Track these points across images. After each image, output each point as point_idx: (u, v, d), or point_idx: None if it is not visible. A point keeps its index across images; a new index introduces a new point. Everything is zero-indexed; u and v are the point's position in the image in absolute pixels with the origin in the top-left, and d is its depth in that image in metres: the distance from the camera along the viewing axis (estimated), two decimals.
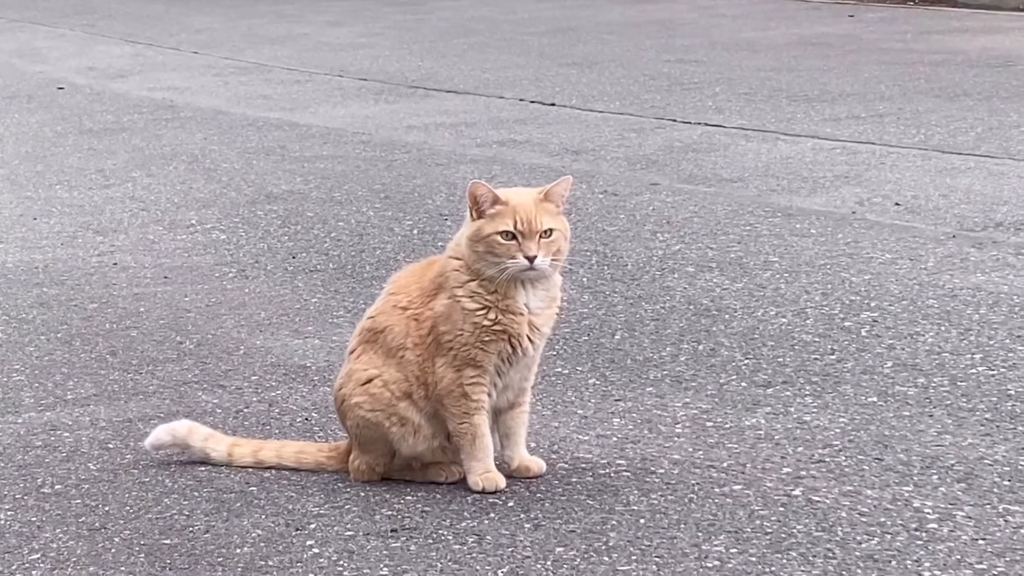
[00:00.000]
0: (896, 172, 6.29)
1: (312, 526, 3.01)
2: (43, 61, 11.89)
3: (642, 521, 2.95)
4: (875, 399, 3.58)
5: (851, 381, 3.72)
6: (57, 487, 3.29)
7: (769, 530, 2.87)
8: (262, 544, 2.94)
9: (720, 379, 3.79)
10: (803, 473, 3.14)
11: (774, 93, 8.53)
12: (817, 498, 3.00)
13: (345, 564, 2.84)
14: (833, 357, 3.92)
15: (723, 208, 5.77)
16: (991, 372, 3.72)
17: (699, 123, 7.70)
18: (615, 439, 3.41)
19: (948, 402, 3.52)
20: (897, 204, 5.70)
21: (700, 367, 3.90)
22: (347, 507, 3.10)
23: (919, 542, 2.78)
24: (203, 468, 3.33)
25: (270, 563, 2.85)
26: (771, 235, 5.31)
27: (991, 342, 3.96)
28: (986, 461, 3.14)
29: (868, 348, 3.97)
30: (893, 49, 10.31)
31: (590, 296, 4.64)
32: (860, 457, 3.21)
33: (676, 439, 3.39)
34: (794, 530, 2.87)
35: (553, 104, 8.54)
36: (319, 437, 3.51)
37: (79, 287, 5.06)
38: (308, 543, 2.93)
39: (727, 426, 3.45)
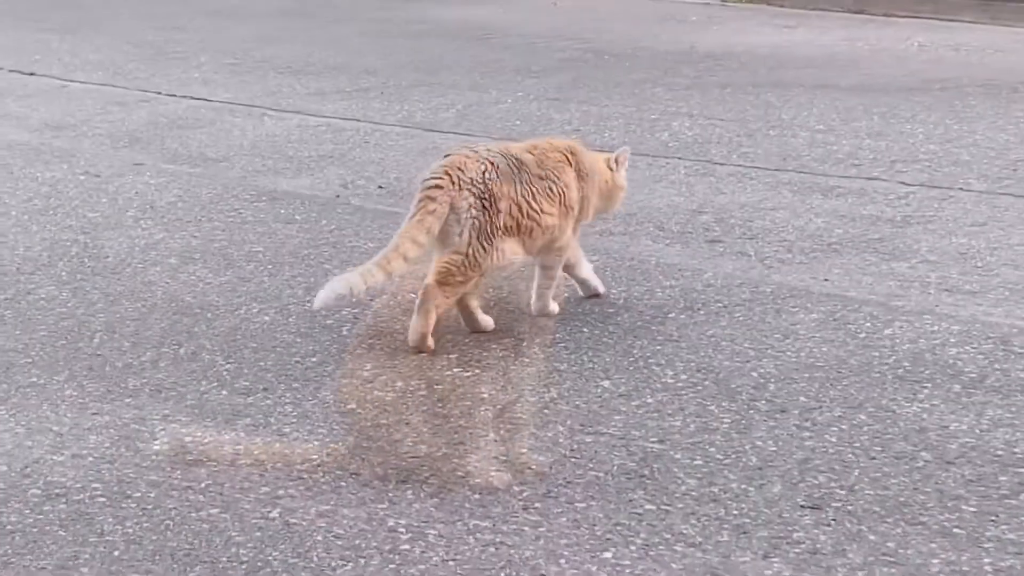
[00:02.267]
0: (380, 151, 6.37)
1: None
2: None
3: (116, 553, 2.88)
4: (354, 406, 3.61)
5: (331, 387, 3.73)
6: None
7: (245, 558, 2.85)
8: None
9: (201, 387, 3.75)
10: (281, 492, 3.13)
11: (260, 65, 8.49)
12: (294, 520, 3.00)
13: None
14: (314, 359, 3.93)
15: (208, 191, 5.71)
16: (466, 374, 3.80)
17: (185, 96, 7.59)
18: (91, 459, 3.31)
19: (425, 408, 3.58)
20: (381, 187, 5.77)
21: (181, 374, 3.84)
22: None
23: (392, 566, 2.81)
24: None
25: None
26: (256, 221, 5.29)
27: (467, 340, 4.04)
28: (458, 473, 3.21)
29: (349, 349, 4.00)
30: (376, 19, 10.44)
31: (69, 293, 4.51)
32: (338, 472, 3.22)
33: (155, 457, 3.33)
34: (270, 557, 2.85)
35: (32, 74, 8.24)
36: None
37: None
38: None
39: (207, 441, 3.41)
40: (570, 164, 4.07)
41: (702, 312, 4.25)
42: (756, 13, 10.86)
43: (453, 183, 3.84)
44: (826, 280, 4.51)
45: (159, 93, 7.68)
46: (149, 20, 10.26)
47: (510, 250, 3.92)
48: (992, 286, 4.43)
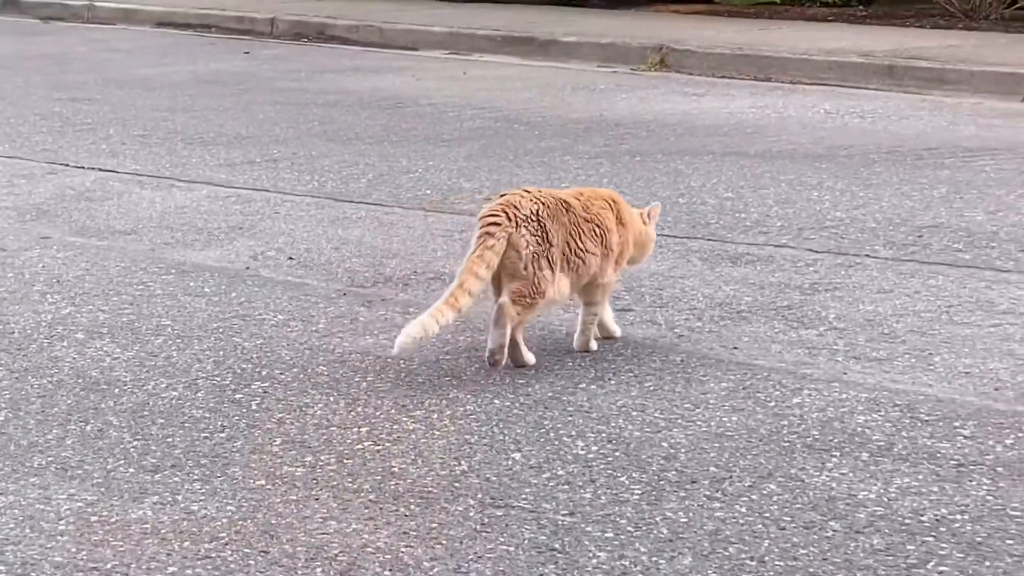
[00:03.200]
0: (291, 223, 6.35)
1: None
2: None
3: None
4: (263, 482, 3.58)
5: (240, 462, 3.70)
6: None
7: None
8: None
9: (108, 465, 3.70)
10: (188, 572, 3.09)
11: (170, 135, 8.46)
12: None
13: None
14: (223, 435, 3.90)
15: (116, 264, 5.66)
16: (376, 447, 3.79)
17: (93, 168, 7.54)
18: None
19: (335, 483, 3.56)
20: (291, 258, 5.75)
21: (87, 451, 3.79)
22: None
23: None
24: None
25: None
26: (164, 295, 5.24)
27: (377, 413, 4.04)
28: (369, 549, 3.19)
29: (259, 424, 3.97)
30: (287, 88, 10.43)
31: None
32: (247, 551, 3.19)
33: (60, 537, 3.28)
34: None
35: None
36: None
37: None
38: None
39: (113, 520, 3.37)
40: (612, 210, 4.40)
41: (613, 382, 4.26)
42: (664, 81, 10.96)
43: (510, 219, 4.14)
44: (735, 348, 4.54)
45: (67, 165, 7.63)
46: (58, 90, 10.20)
47: (563, 285, 4.26)
48: (899, 353, 4.47)
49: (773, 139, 8.23)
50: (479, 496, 3.46)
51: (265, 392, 4.22)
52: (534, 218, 4.17)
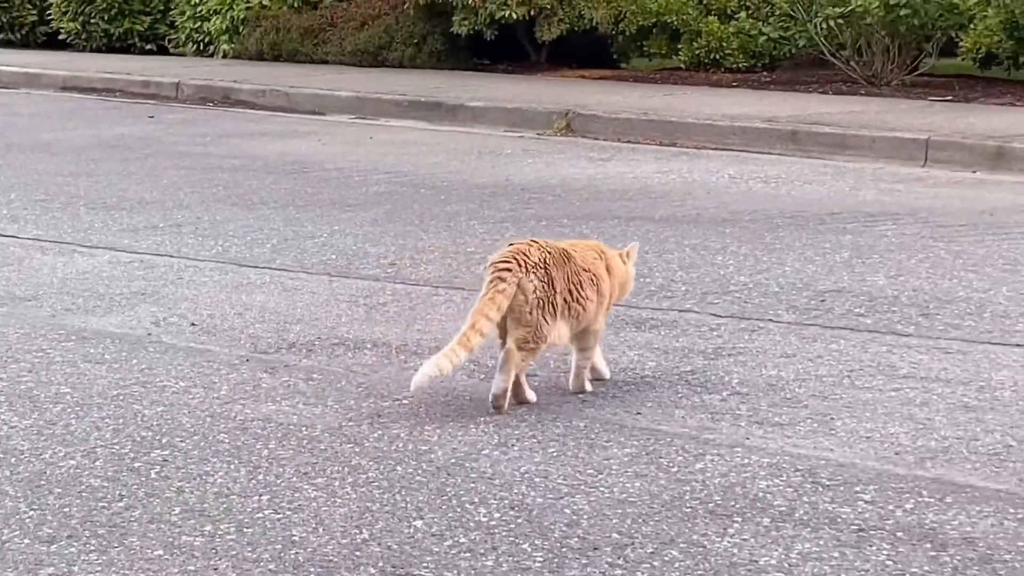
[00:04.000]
0: (194, 288, 6.30)
1: None
2: None
3: None
4: (161, 552, 3.53)
5: (138, 532, 3.65)
6: None
7: None
8: None
9: (3, 535, 3.63)
10: None
11: (72, 200, 8.38)
12: None
13: None
14: (121, 504, 3.84)
15: (15, 331, 5.58)
16: (277, 516, 3.75)
17: None
18: None
19: (234, 552, 3.52)
20: (193, 324, 5.70)
21: None
22: None
23: None
24: None
25: None
26: (64, 362, 5.18)
27: (279, 481, 4.00)
28: None
29: (157, 492, 3.92)
30: (192, 153, 10.39)
31: None
32: None
33: None
34: None
35: None
36: None
37: None
38: None
39: None
40: (601, 259, 4.67)
41: (516, 448, 4.24)
42: (571, 146, 11.02)
43: (520, 266, 4.39)
44: (639, 414, 4.54)
45: None
46: None
47: (563, 330, 4.50)
48: (801, 418, 4.49)
49: (678, 204, 8.29)
50: (380, 565, 3.43)
51: (165, 460, 4.17)
52: (542, 266, 4.43)
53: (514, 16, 14.43)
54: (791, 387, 4.80)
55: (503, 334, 4.45)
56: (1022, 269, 6.51)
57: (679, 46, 14.76)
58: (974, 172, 9.72)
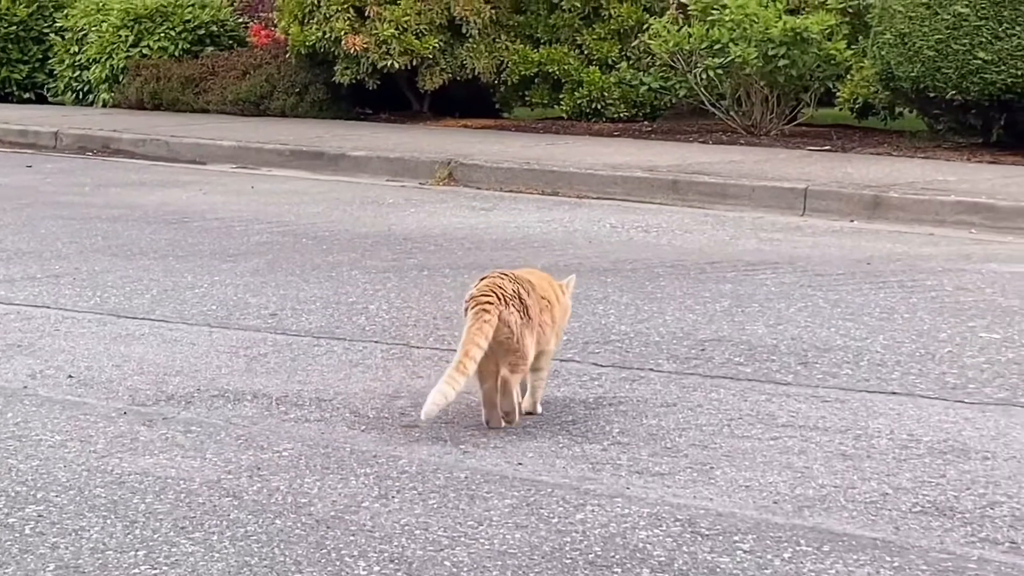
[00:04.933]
0: (71, 340, 6.22)
1: None
2: None
3: None
4: None
5: None
6: None
7: None
8: None
9: None
10: None
11: None
12: None
13: None
14: None
15: None
16: (154, 571, 3.69)
17: None
18: None
19: None
20: (71, 376, 5.62)
21: None
22: None
23: None
24: None
25: None
26: None
27: (156, 536, 3.95)
28: None
29: (31, 549, 3.85)
30: (71, 203, 10.28)
31: None
32: None
33: None
34: None
35: None
36: None
37: None
38: None
39: None
40: (551, 289, 5.08)
41: (396, 500, 4.22)
42: (453, 195, 11.04)
43: (499, 299, 4.76)
44: (520, 464, 4.54)
45: None
46: None
47: (533, 352, 4.86)
48: (681, 467, 4.51)
49: (560, 253, 8.32)
50: None
51: (39, 516, 4.10)
52: (517, 297, 4.82)
53: (396, 65, 14.45)
54: (671, 436, 4.82)
55: (483, 372, 4.81)
56: (898, 318, 6.60)
57: (561, 96, 14.86)
58: (852, 221, 9.86)
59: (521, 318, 4.80)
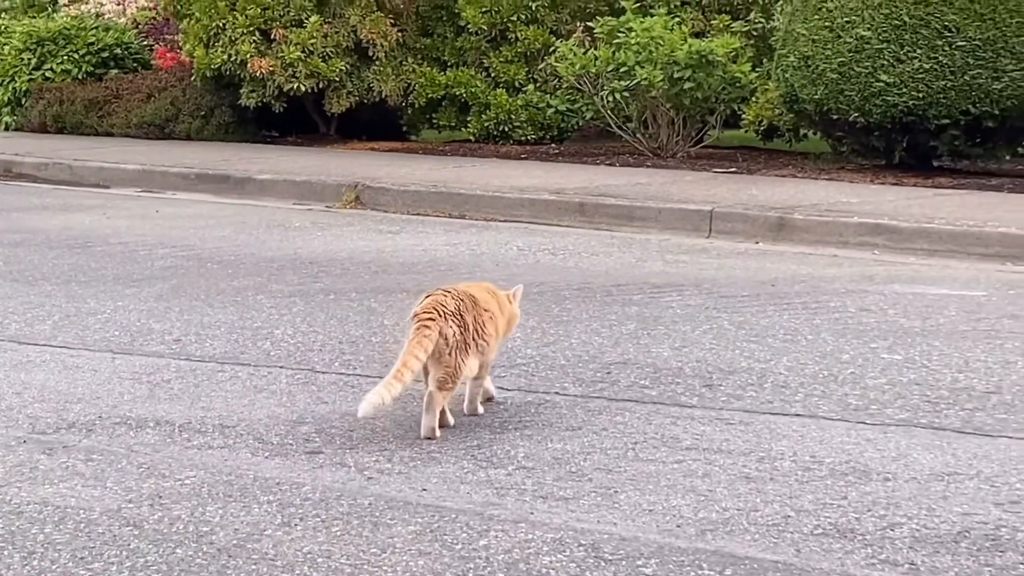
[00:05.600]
0: None
1: None
2: None
3: None
4: None
5: None
6: None
7: None
8: None
9: None
10: None
11: None
12: None
13: None
14: None
15: None
16: None
17: None
18: None
19: None
20: None
21: None
22: None
23: None
24: None
25: None
26: None
27: (54, 567, 3.90)
28: None
29: None
30: None
31: None
32: None
33: None
34: None
35: None
36: None
37: None
38: None
39: None
40: (494, 298, 5.35)
41: (299, 527, 4.19)
42: (360, 219, 11.01)
43: (440, 315, 5.03)
44: (424, 490, 4.52)
45: None
46: None
47: (473, 365, 5.14)
48: (585, 491, 4.51)
49: (467, 276, 8.31)
50: None
51: None
52: (457, 313, 5.08)
53: (302, 88, 14.41)
54: (576, 460, 4.82)
55: (426, 375, 5.06)
56: (802, 339, 6.65)
57: (468, 118, 14.88)
58: (757, 243, 9.92)
59: (460, 335, 5.06)
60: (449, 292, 5.20)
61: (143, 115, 15.48)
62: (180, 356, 6.35)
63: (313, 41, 14.30)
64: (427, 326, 5.03)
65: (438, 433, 5.07)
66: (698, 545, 4.04)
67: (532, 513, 4.30)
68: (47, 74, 16.38)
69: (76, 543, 4.08)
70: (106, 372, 6.07)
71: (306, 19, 14.38)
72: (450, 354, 5.04)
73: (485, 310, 5.23)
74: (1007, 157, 12.72)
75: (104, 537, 4.12)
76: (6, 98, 16.56)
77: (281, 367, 6.15)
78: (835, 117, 11.96)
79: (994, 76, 11.50)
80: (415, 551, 3.99)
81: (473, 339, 5.12)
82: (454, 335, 5.05)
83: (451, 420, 5.21)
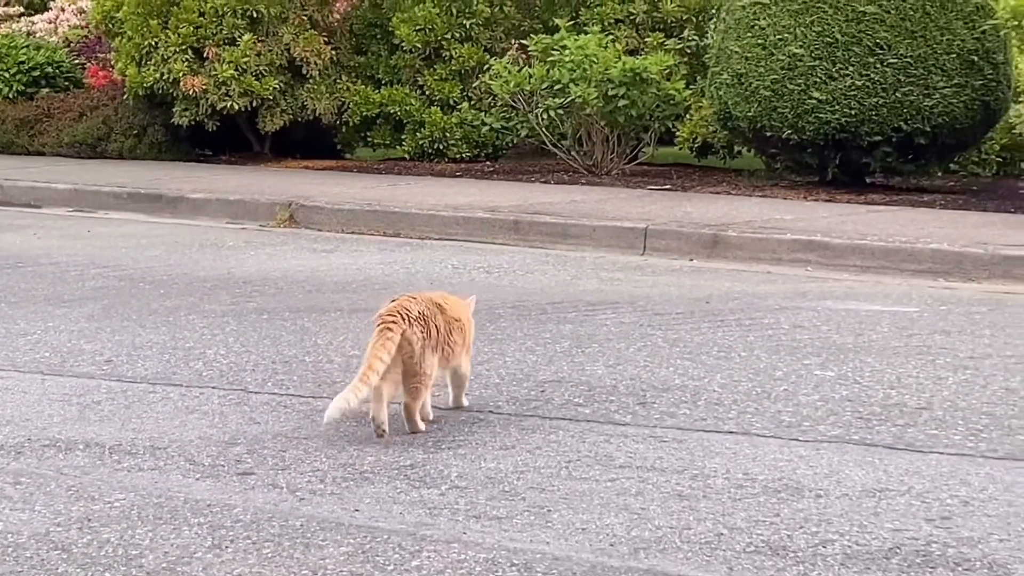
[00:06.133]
0: None
1: None
2: None
3: None
4: None
5: None
6: None
7: None
8: None
9: None
10: None
11: None
12: None
13: None
14: None
15: None
16: None
17: None
18: None
19: None
20: None
21: None
22: None
23: None
24: None
25: None
26: None
27: None
28: None
29: None
30: None
31: None
32: None
33: None
34: None
35: None
36: None
37: None
38: None
39: None
40: (460, 307, 5.54)
41: (230, 550, 4.15)
42: (294, 238, 10.96)
43: (404, 319, 5.18)
44: (357, 511, 4.49)
45: None
46: None
47: (435, 368, 5.31)
48: (518, 511, 4.49)
49: (401, 294, 8.27)
50: None
51: None
52: (421, 319, 5.24)
53: (236, 107, 14.35)
54: (509, 479, 4.80)
55: (379, 393, 5.18)
56: (736, 356, 6.66)
57: (403, 136, 14.86)
58: (691, 260, 9.95)
59: (425, 338, 5.22)
60: (415, 298, 5.37)
61: (75, 134, 15.37)
62: (111, 377, 6.29)
63: (246, 59, 14.25)
64: (390, 328, 5.18)
65: (423, 427, 5.35)
66: (631, 564, 4.04)
67: (465, 533, 4.29)
68: None
69: (3, 568, 4.02)
70: (36, 393, 6.01)
71: (239, 37, 14.33)
72: (417, 363, 5.22)
73: (455, 319, 5.43)
74: (939, 173, 12.82)
75: (32, 561, 4.07)
76: None
77: (213, 387, 6.10)
78: (768, 134, 12.02)
79: (925, 93, 11.60)
80: (347, 572, 3.97)
81: (438, 344, 5.30)
82: (417, 340, 5.20)
83: (430, 412, 5.49)
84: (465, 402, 5.72)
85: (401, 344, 5.19)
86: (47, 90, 16.39)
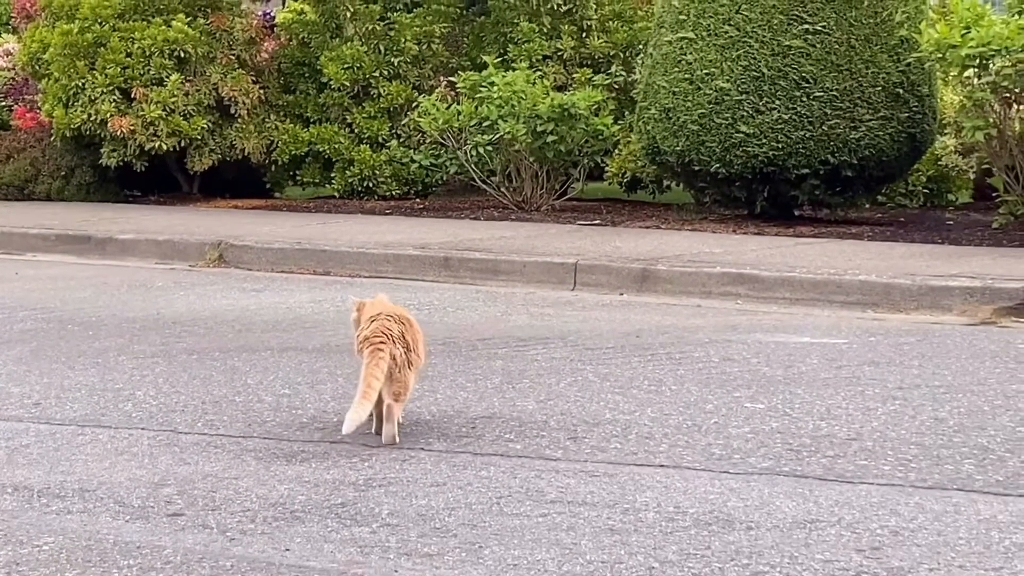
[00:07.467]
0: None
1: None
2: None
3: None
4: None
5: None
6: None
7: None
8: None
9: None
10: None
11: None
12: None
13: None
14: None
15: None
16: None
17: None
18: None
19: None
20: None
21: None
22: None
23: None
24: None
25: None
26: None
27: None
28: None
29: None
30: None
31: None
32: None
33: None
34: None
35: None
36: None
37: None
38: None
39: None
40: (416, 322, 5.88)
41: None
42: (223, 277, 10.92)
43: (390, 339, 5.67)
44: (287, 550, 4.47)
45: None
46: None
47: (415, 382, 5.84)
48: (450, 547, 4.48)
49: (331, 333, 8.27)
50: None
51: None
52: (401, 337, 5.72)
53: (164, 147, 14.31)
54: (441, 516, 4.80)
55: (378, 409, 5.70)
56: (666, 390, 6.69)
57: (332, 175, 14.87)
58: (621, 294, 9.99)
59: (406, 354, 5.72)
60: (392, 317, 5.82)
61: (2, 176, 15.27)
62: (39, 420, 6.24)
63: (174, 99, 14.21)
64: (380, 348, 5.65)
65: (398, 439, 5.73)
66: None
67: (396, 571, 4.27)
68: None
69: None
70: None
71: (166, 77, 14.29)
72: (401, 372, 5.70)
73: (418, 332, 5.88)
74: (866, 205, 12.96)
75: None
76: None
77: (143, 428, 6.06)
78: (697, 168, 12.10)
79: (851, 126, 11.71)
80: None
81: (413, 358, 5.77)
82: (401, 356, 5.70)
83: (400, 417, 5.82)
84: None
85: (389, 363, 5.67)
86: None
